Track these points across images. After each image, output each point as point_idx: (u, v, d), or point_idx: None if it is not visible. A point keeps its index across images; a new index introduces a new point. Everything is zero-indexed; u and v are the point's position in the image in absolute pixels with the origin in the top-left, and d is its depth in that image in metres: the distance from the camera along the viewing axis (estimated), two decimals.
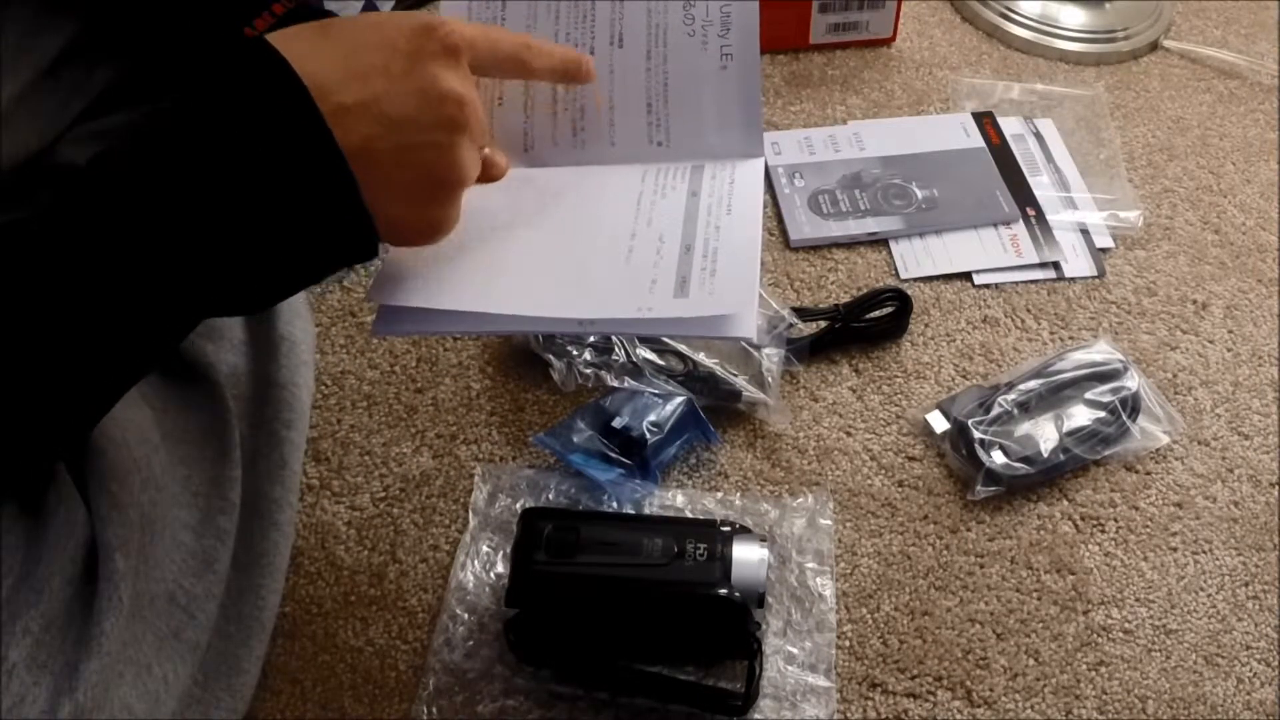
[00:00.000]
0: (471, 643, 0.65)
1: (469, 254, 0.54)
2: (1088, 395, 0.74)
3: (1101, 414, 0.74)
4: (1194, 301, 0.85)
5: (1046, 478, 0.73)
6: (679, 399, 0.72)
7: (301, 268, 0.49)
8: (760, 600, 0.61)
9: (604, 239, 0.55)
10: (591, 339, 0.74)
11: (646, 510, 0.70)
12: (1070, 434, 0.73)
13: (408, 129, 0.48)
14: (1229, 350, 0.82)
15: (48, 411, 0.47)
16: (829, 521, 0.70)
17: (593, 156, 0.60)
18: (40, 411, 0.46)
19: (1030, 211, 0.89)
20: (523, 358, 0.77)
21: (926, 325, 0.82)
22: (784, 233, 0.87)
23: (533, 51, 0.54)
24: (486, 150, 0.58)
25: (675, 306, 0.51)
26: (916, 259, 0.86)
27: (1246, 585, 0.70)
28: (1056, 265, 0.86)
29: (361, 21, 0.49)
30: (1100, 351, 0.77)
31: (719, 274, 0.52)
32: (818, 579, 0.68)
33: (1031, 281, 0.85)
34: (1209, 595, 0.69)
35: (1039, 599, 0.69)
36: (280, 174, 0.45)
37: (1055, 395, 0.74)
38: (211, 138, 0.45)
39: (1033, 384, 0.74)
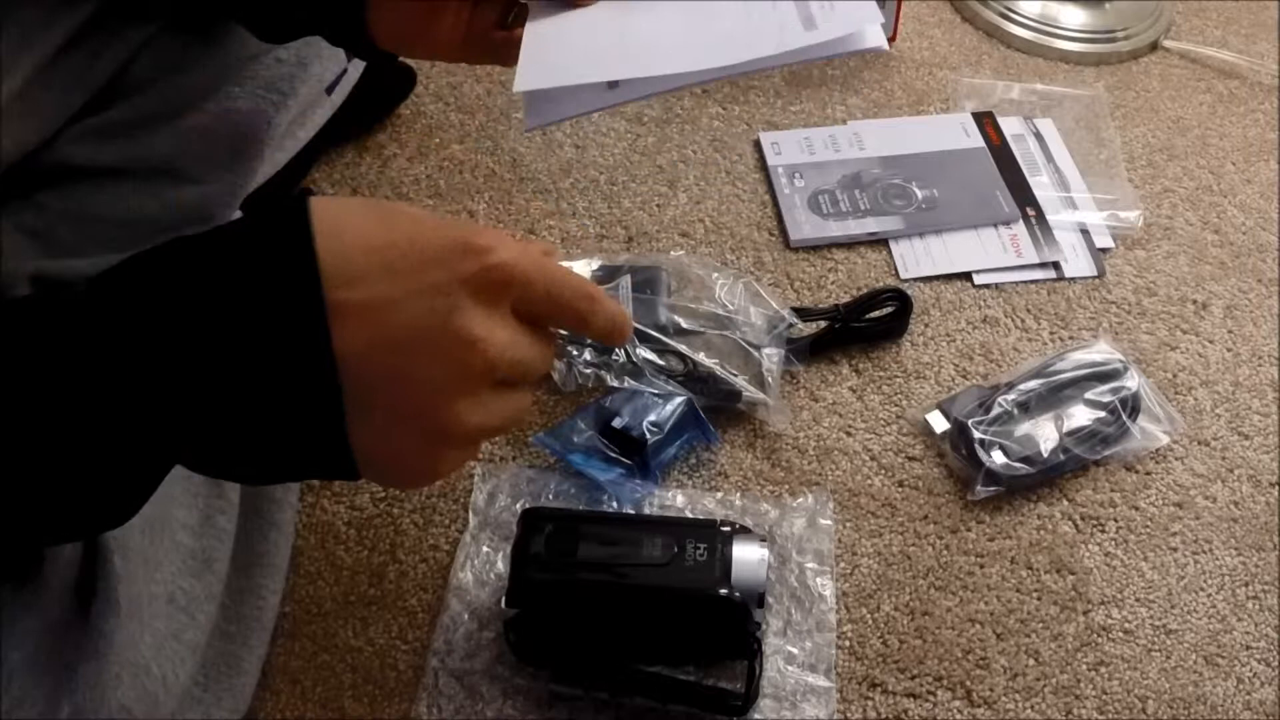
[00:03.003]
0: (471, 643, 0.65)
1: (600, 28, 0.56)
2: (1088, 395, 0.74)
3: (1101, 414, 0.74)
4: (1194, 301, 0.85)
5: (1046, 478, 0.73)
6: (679, 399, 0.72)
7: (268, 464, 0.43)
8: (760, 600, 0.61)
9: (719, 1, 0.57)
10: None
11: (646, 510, 0.70)
12: (1070, 434, 0.73)
13: (408, 356, 0.40)
14: (1229, 350, 0.82)
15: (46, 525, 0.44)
16: (829, 521, 0.70)
17: None
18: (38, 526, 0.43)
19: (1030, 211, 0.89)
20: None
21: (926, 325, 0.82)
22: (784, 233, 0.87)
23: (595, 305, 0.45)
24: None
25: (808, 37, 0.53)
26: (916, 259, 0.86)
27: (1246, 585, 0.70)
28: (1056, 265, 0.86)
29: (416, 215, 0.42)
30: (1100, 351, 0.77)
31: (837, 4, 0.54)
32: (818, 579, 0.68)
33: (1031, 281, 0.85)
34: (1209, 595, 0.69)
35: (1039, 599, 0.69)
36: (258, 356, 0.39)
37: (1055, 395, 0.74)
38: (200, 292, 0.39)
39: (1033, 384, 0.74)
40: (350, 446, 0.41)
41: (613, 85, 0.55)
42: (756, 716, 0.62)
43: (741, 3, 0.57)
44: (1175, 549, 0.71)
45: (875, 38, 0.53)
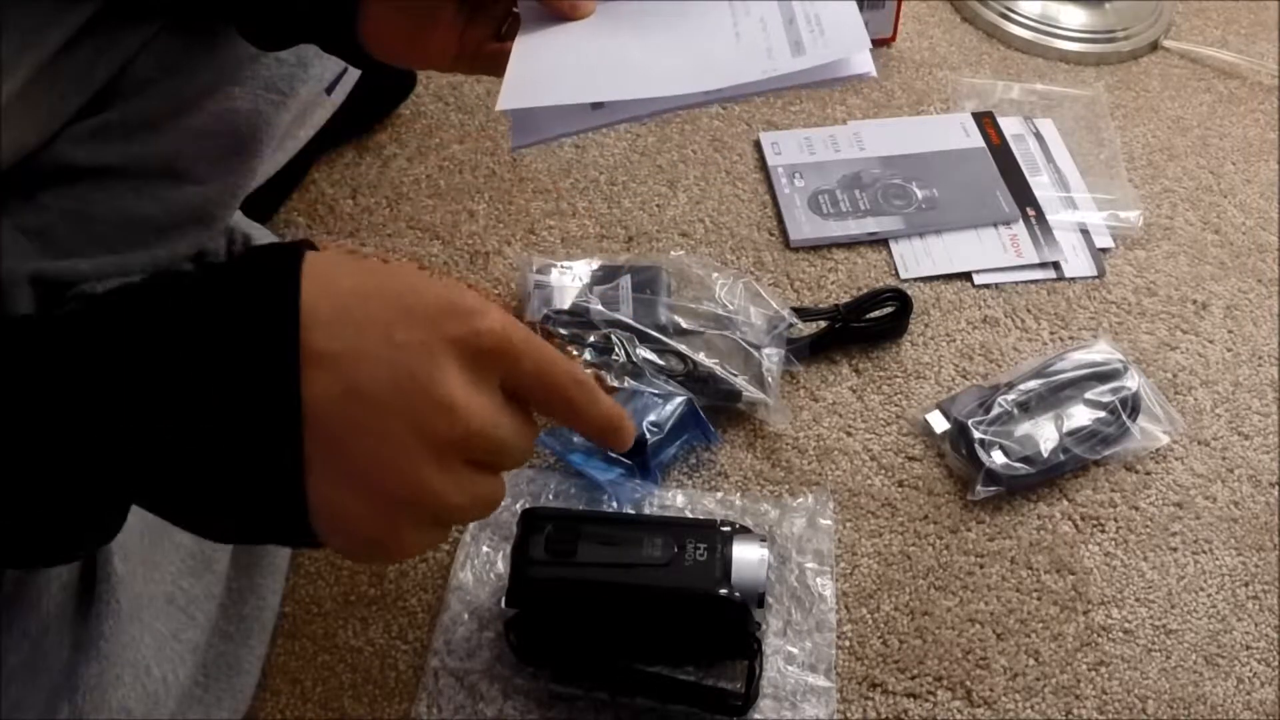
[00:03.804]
0: (471, 643, 0.65)
1: (587, 49, 0.56)
2: (1088, 395, 0.74)
3: (1101, 414, 0.74)
4: (1194, 301, 0.85)
5: (1046, 478, 0.73)
6: (679, 399, 0.72)
7: (223, 509, 0.40)
8: (760, 600, 0.61)
9: (709, 25, 0.57)
10: (591, 338, 0.74)
11: (646, 510, 0.70)
12: (1070, 434, 0.73)
13: (380, 411, 0.37)
14: (1229, 350, 0.82)
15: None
16: (829, 521, 0.70)
17: None
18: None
19: (1030, 211, 0.89)
20: None
21: (926, 325, 0.82)
22: (784, 233, 0.87)
23: (590, 394, 0.42)
24: None
25: (796, 63, 0.53)
26: (916, 259, 0.86)
27: (1246, 585, 0.70)
28: (1056, 265, 0.86)
29: (404, 271, 0.41)
30: (1100, 351, 0.77)
31: (827, 31, 0.54)
32: (818, 579, 0.68)
33: (1031, 281, 0.85)
34: (1209, 595, 0.69)
35: (1039, 599, 0.69)
36: (221, 391, 0.37)
37: (1055, 395, 0.74)
38: (171, 322, 0.38)
39: (1033, 384, 0.74)
40: (306, 500, 0.38)
41: (598, 106, 0.55)
42: (756, 716, 0.62)
43: (729, 27, 0.57)
44: (1175, 549, 0.71)
45: (863, 64, 0.53)
